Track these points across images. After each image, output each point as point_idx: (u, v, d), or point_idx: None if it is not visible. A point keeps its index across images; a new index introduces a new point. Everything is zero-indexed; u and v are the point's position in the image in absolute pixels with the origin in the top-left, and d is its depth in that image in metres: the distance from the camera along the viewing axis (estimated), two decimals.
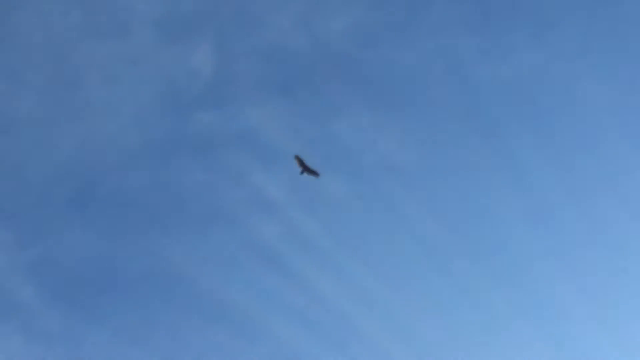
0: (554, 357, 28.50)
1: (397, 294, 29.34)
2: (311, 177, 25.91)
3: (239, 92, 31.91)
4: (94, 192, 30.58)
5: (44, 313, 28.68)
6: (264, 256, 29.55)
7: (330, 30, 32.43)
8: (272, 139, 31.08)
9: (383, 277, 29.62)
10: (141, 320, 29.27)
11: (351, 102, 31.60)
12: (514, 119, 31.80)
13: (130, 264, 29.82)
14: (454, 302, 29.70)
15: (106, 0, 31.75)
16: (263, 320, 28.65)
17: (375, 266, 29.72)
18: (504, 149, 31.35)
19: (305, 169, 25.93)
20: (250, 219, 30.44)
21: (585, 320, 29.08)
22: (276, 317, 28.56)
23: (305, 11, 32.50)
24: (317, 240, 29.63)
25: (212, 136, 31.23)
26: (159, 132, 31.28)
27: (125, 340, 28.59)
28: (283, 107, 31.77)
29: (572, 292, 29.56)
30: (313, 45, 32.24)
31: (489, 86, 31.99)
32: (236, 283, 29.54)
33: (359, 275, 29.42)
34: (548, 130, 31.75)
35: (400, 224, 30.72)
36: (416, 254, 30.23)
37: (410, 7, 32.62)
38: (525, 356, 28.37)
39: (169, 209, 30.52)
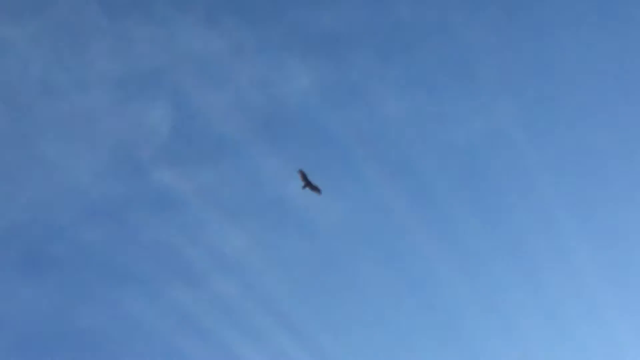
0: None
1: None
2: (314, 193, 26.34)
3: (197, 150, 32.36)
4: (49, 249, 30.77)
5: None
6: (217, 315, 30.12)
7: (289, 89, 33.10)
8: (229, 198, 31.65)
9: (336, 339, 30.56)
10: None
11: (309, 162, 32.10)
12: (465, 183, 32.73)
13: (84, 320, 30.03)
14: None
15: (66, 57, 31.97)
16: None
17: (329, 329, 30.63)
18: (453, 214, 32.21)
19: (308, 184, 26.23)
20: (204, 277, 30.93)
21: None
22: None
23: (264, 70, 33.10)
24: (277, 300, 30.45)
25: (169, 194, 31.62)
26: (116, 189, 31.60)
27: None
28: (241, 165, 32.28)
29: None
30: (271, 104, 32.93)
31: (444, 150, 32.84)
32: (189, 339, 30.04)
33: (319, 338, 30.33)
34: (497, 196, 32.78)
35: (351, 285, 31.56)
36: (365, 315, 31.19)
37: (368, 69, 33.35)
38: None
39: (124, 266, 30.79)
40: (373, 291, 31.55)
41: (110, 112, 31.96)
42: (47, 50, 31.87)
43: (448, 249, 31.85)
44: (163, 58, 32.39)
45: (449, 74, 33.67)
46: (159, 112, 32.13)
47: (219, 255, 30.87)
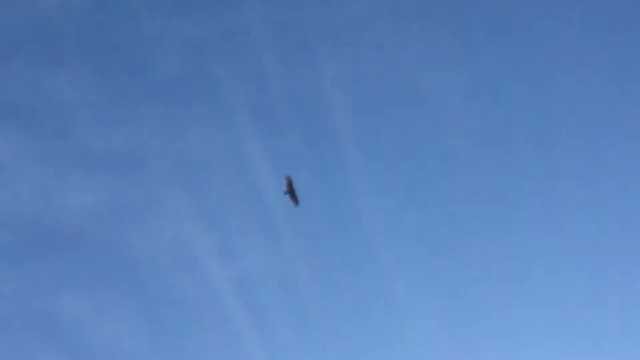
0: None
1: None
2: (291, 202, 26.25)
3: None
4: None
5: None
6: None
7: (69, 204, 32.66)
8: None
9: None
10: None
11: (80, 278, 31.67)
12: (244, 312, 32.88)
13: None
14: None
15: None
16: None
17: None
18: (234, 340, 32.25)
19: (290, 191, 26.06)
20: None
21: None
22: None
23: (46, 181, 32.58)
24: None
25: None
26: None
27: None
28: (12, 276, 31.35)
29: None
30: (50, 216, 32.33)
31: (222, 281, 32.93)
32: None
33: None
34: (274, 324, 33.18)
35: None
36: None
37: (149, 193, 33.44)
38: None
39: None
40: None
41: None
42: None
43: None
44: None
45: (235, 204, 34.38)
46: None
47: None
